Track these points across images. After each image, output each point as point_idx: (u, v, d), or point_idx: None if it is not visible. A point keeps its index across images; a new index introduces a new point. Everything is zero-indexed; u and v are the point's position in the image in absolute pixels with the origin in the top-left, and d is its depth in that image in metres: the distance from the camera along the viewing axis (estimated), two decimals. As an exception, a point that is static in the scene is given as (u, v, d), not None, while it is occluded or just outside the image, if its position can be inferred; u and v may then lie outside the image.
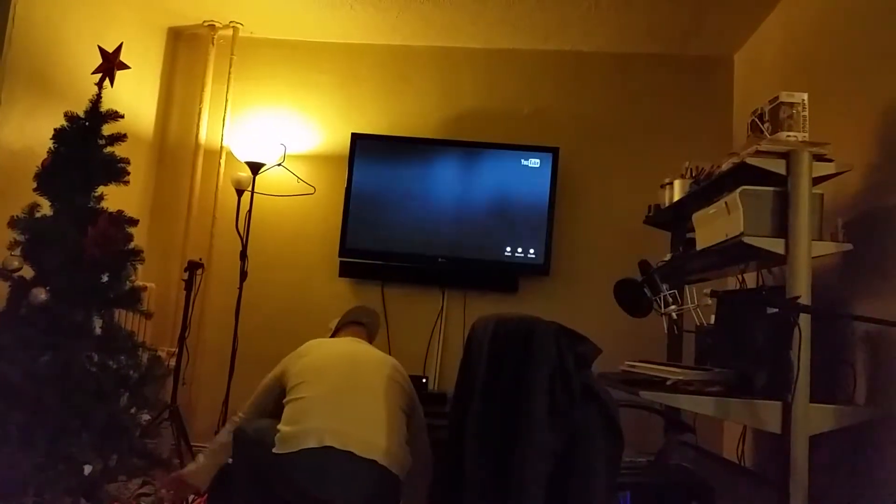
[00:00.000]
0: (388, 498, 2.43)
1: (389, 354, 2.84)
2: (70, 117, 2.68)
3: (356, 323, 3.05)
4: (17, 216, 2.55)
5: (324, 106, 4.29)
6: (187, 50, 4.39)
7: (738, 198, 2.26)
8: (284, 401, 2.57)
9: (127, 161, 2.73)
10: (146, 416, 2.59)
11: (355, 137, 4.05)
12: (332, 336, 3.04)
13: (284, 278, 4.15)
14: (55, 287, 2.44)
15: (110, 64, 2.81)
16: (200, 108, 4.28)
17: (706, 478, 2.66)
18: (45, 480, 2.20)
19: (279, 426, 2.45)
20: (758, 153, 2.26)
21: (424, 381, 3.68)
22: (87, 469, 2.30)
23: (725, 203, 2.36)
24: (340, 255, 4.00)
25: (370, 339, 3.05)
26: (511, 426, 2.04)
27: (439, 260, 3.92)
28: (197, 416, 4.01)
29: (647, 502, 2.48)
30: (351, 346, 2.80)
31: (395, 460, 2.40)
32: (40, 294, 2.43)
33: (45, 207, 2.61)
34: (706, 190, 2.61)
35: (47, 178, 2.62)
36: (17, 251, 2.52)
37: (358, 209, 4.00)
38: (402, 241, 3.95)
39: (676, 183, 2.97)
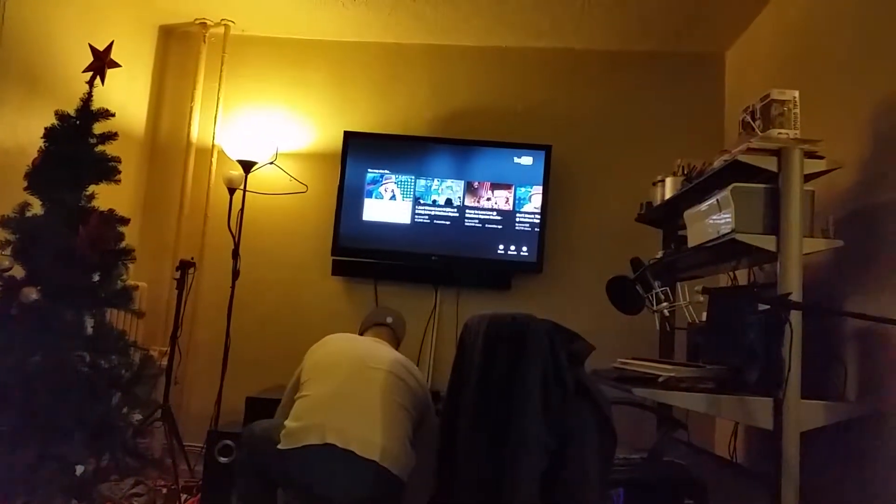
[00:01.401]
0: (387, 497, 2.42)
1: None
2: (61, 116, 2.67)
3: (379, 324, 3.03)
4: (7, 215, 2.53)
5: (316, 104, 4.28)
6: (179, 48, 4.37)
7: (730, 195, 2.27)
8: (295, 397, 2.58)
9: (118, 160, 2.72)
10: (138, 416, 2.58)
11: (348, 136, 4.05)
12: None
13: (277, 277, 4.14)
14: (46, 286, 2.43)
15: (101, 62, 2.79)
16: (192, 107, 4.27)
17: (699, 474, 2.67)
18: (36, 480, 2.19)
19: (286, 422, 2.46)
20: (749, 150, 2.27)
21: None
22: (79, 469, 2.29)
23: (717, 200, 2.37)
24: (333, 253, 3.99)
25: (397, 340, 3.03)
26: (504, 423, 2.04)
27: (432, 258, 3.92)
28: (189, 415, 4.00)
29: (640, 499, 2.49)
30: (364, 345, 2.79)
31: (395, 461, 2.40)
32: (31, 293, 2.42)
33: (36, 206, 2.59)
34: (698, 187, 2.62)
35: (38, 176, 2.60)
36: (8, 250, 2.50)
37: (350, 207, 3.99)
38: (394, 240, 3.95)
39: (668, 180, 2.98)
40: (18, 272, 2.51)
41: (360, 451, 2.35)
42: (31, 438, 2.24)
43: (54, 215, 2.55)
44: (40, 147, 2.64)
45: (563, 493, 1.98)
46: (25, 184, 2.60)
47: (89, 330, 2.47)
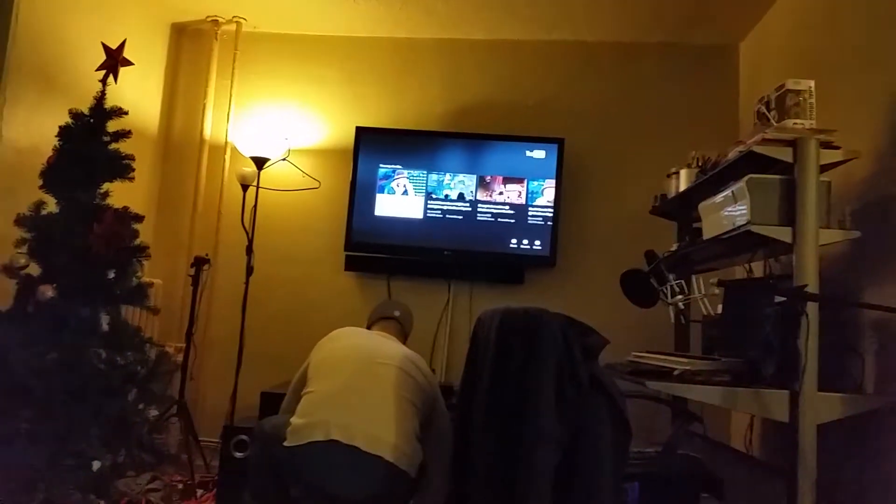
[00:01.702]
0: (395, 493, 2.42)
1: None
2: (75, 115, 2.69)
3: (386, 318, 3.01)
4: (23, 213, 2.56)
5: (328, 100, 4.28)
6: (191, 45, 4.39)
7: (745, 186, 2.24)
8: (301, 393, 2.58)
9: (132, 157, 2.74)
10: (154, 412, 2.60)
11: (360, 131, 4.05)
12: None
13: (291, 273, 4.15)
14: (62, 284, 2.46)
15: (114, 60, 2.82)
16: (205, 104, 4.28)
17: (715, 467, 2.65)
18: (54, 476, 2.22)
19: (292, 419, 2.46)
20: (764, 141, 2.25)
21: (432, 371, 3.68)
22: (96, 465, 2.31)
23: (732, 192, 2.35)
24: (346, 248, 4.00)
25: (404, 334, 3.01)
26: (518, 418, 2.04)
27: (445, 253, 3.92)
28: (205, 411, 4.03)
29: (655, 493, 2.48)
30: (371, 340, 2.77)
31: (402, 457, 2.39)
32: (47, 291, 2.44)
33: (51, 205, 2.62)
34: (712, 179, 2.60)
35: (53, 175, 2.63)
36: (24, 248, 2.53)
37: (363, 203, 4.00)
38: (407, 235, 3.96)
39: (683, 172, 2.96)
40: (35, 270, 2.53)
41: (366, 446, 2.34)
42: (49, 434, 2.26)
43: (69, 213, 2.58)
44: (55, 145, 2.66)
45: (577, 487, 1.97)
46: (40, 182, 2.63)
47: (105, 327, 2.49)
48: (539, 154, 3.92)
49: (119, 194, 2.76)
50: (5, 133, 3.03)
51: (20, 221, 2.54)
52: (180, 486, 3.30)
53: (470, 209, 3.93)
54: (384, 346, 2.72)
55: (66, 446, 2.25)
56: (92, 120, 2.70)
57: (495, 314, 2.27)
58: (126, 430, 2.41)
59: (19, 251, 2.53)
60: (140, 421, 2.50)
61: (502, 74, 4.19)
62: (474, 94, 4.19)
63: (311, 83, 4.30)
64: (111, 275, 2.56)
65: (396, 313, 3.03)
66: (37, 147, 3.03)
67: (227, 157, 4.24)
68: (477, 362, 2.33)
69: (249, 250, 3.89)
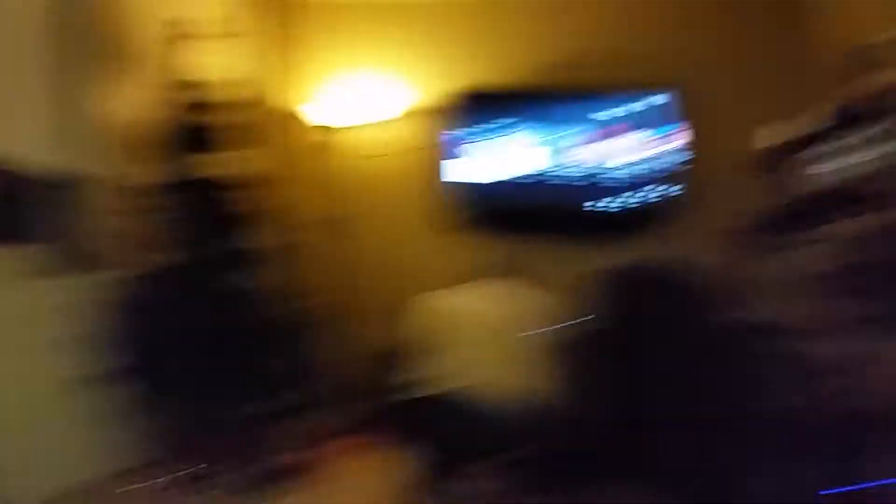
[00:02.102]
0: (532, 435, 2.47)
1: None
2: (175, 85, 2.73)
3: (500, 276, 2.96)
4: (149, 182, 2.62)
5: (415, 62, 4.12)
6: (271, 13, 4.15)
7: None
8: (431, 348, 2.65)
9: (239, 128, 2.79)
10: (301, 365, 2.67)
11: (462, 92, 3.89)
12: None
13: (392, 238, 4.08)
14: (198, 251, 2.52)
15: (193, 33, 2.87)
16: (288, 74, 4.19)
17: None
18: (209, 434, 2.30)
19: (426, 371, 2.57)
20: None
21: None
22: (249, 415, 2.39)
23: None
24: (453, 212, 3.91)
25: (522, 289, 2.94)
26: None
27: (564, 209, 3.82)
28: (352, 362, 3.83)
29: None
30: (487, 294, 2.81)
31: (533, 398, 2.45)
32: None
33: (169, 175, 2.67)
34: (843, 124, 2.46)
35: (169, 146, 2.69)
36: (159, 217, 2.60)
37: (464, 165, 3.90)
38: (524, 194, 3.86)
39: (801, 119, 2.83)
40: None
41: (500, 394, 2.42)
42: (204, 392, 2.34)
43: (194, 184, 2.64)
44: (165, 117, 2.72)
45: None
46: (157, 153, 2.69)
47: (245, 289, 2.56)
48: (657, 102, 3.73)
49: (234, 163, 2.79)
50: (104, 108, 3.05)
51: (149, 190, 2.60)
52: (329, 433, 3.27)
53: (587, 164, 3.79)
54: (505, 299, 2.76)
55: (219, 401, 2.33)
56: (190, 92, 2.76)
57: (626, 269, 2.25)
58: (277, 381, 2.49)
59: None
60: (289, 373, 2.58)
61: (608, 22, 3.93)
62: (585, 44, 3.90)
63: (395, 47, 4.13)
64: (238, 241, 2.62)
65: (511, 272, 3.03)
66: (143, 119, 3.03)
67: (315, 125, 4.11)
68: (605, 318, 2.32)
69: (349, 218, 3.94)
